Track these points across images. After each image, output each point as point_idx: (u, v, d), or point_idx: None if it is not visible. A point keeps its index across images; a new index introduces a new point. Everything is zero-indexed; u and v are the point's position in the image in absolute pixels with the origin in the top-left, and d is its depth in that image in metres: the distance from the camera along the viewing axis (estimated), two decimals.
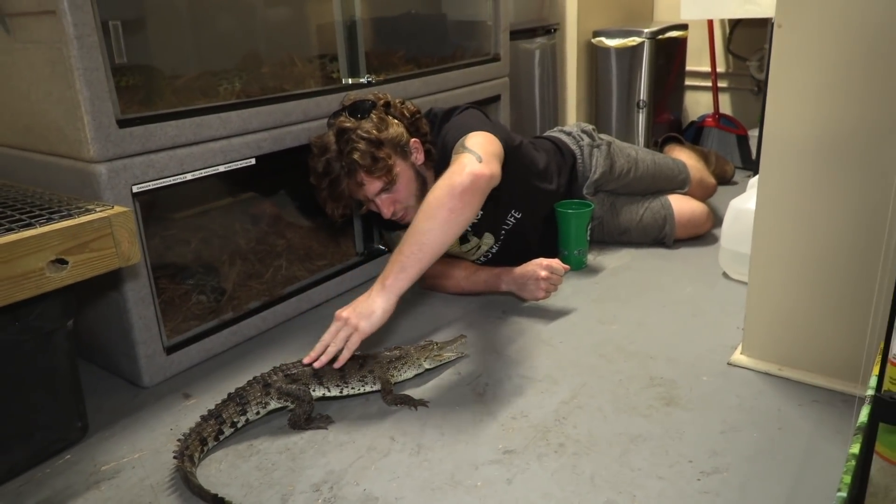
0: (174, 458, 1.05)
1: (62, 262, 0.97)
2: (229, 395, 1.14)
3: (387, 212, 1.48)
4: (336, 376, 1.20)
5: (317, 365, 1.18)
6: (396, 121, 1.49)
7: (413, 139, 1.51)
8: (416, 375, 1.28)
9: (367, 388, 1.23)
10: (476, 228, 1.63)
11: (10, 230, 0.94)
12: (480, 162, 1.26)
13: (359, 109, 1.48)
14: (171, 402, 1.27)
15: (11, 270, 0.91)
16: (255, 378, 1.18)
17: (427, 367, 1.28)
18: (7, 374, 1.04)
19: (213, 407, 1.13)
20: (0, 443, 1.04)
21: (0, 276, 0.90)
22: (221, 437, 1.12)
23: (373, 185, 1.45)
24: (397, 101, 1.54)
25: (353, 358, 1.22)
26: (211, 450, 1.11)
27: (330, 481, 1.02)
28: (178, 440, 1.07)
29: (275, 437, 1.14)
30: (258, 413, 1.16)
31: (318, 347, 1.19)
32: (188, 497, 1.00)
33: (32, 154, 1.27)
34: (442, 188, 1.23)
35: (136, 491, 1.03)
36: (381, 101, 1.50)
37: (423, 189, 1.51)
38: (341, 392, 1.22)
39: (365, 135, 1.41)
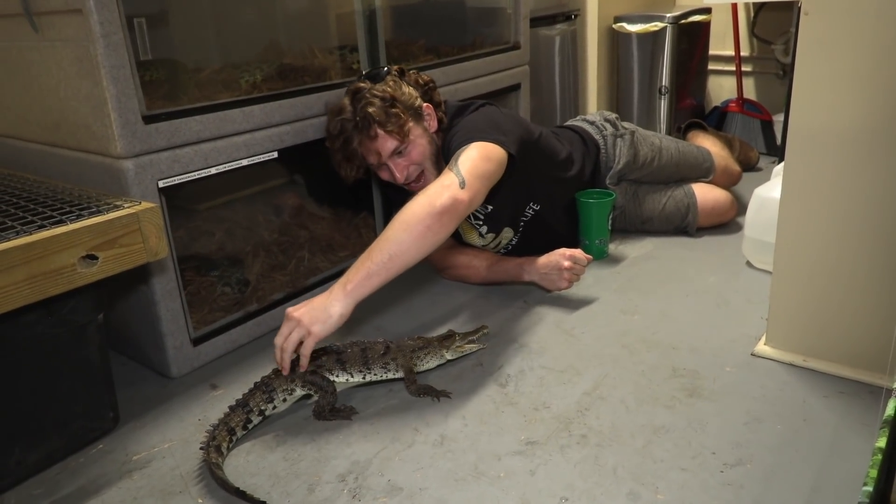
0: (201, 448, 1.07)
1: (93, 257, 0.99)
2: (255, 384, 1.16)
3: (400, 175, 1.48)
4: (359, 362, 1.22)
5: (284, 372, 1.16)
6: (410, 87, 1.50)
7: (426, 104, 1.52)
8: (438, 366, 1.30)
9: (390, 375, 1.25)
10: (495, 225, 1.63)
11: (42, 227, 0.97)
12: (463, 187, 1.24)
13: (373, 75, 1.50)
14: (199, 392, 1.29)
15: (45, 266, 0.93)
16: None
17: (449, 357, 1.29)
18: (43, 366, 1.07)
19: (240, 397, 1.15)
20: (37, 432, 1.08)
21: (35, 271, 0.92)
22: (250, 426, 1.14)
23: (386, 143, 1.45)
24: (411, 70, 1.55)
25: (375, 344, 1.24)
26: (240, 440, 1.13)
27: (355, 472, 1.04)
28: (207, 431, 1.10)
29: (300, 428, 1.16)
30: (284, 400, 1.18)
31: (276, 354, 1.15)
32: (217, 487, 1.02)
33: (62, 150, 1.30)
34: (422, 204, 1.20)
35: (167, 480, 1.05)
36: (395, 68, 1.52)
37: (436, 156, 1.51)
38: (364, 378, 1.24)
39: (379, 93, 1.43)
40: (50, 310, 1.04)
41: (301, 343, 1.15)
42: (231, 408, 1.13)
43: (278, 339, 1.15)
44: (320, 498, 0.99)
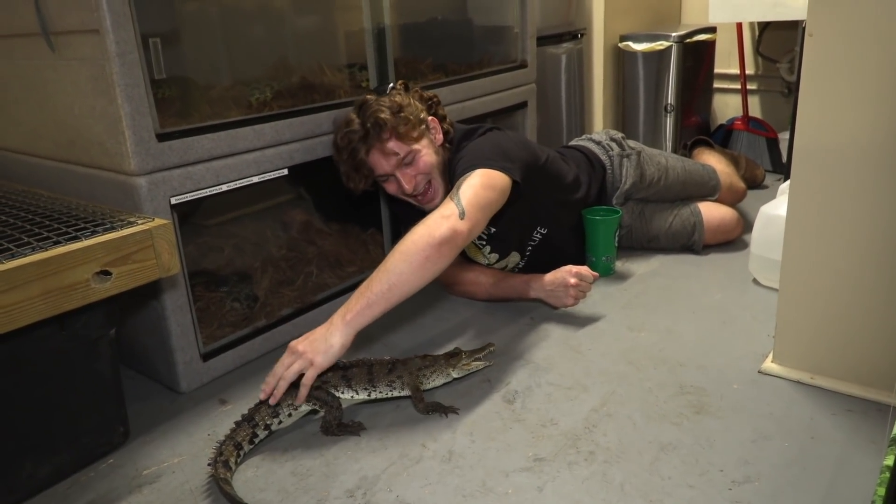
0: (209, 465, 1.08)
1: (106, 273, 1.00)
2: (261, 399, 1.17)
3: (408, 186, 1.49)
4: (364, 379, 1.22)
5: (272, 401, 1.15)
6: (416, 101, 1.53)
7: (431, 118, 1.54)
8: (444, 384, 1.30)
9: (395, 393, 1.25)
10: (502, 249, 1.64)
11: (57, 243, 0.98)
12: (462, 218, 1.25)
13: (379, 91, 1.53)
14: (208, 407, 1.30)
15: (60, 282, 0.95)
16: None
17: (455, 376, 1.29)
18: (55, 380, 1.08)
19: (245, 412, 1.16)
20: (48, 446, 1.09)
21: (50, 287, 0.94)
22: (256, 441, 1.15)
23: (395, 148, 1.46)
24: (416, 86, 1.58)
25: (381, 361, 1.24)
26: (248, 454, 1.14)
27: (363, 487, 1.05)
28: (214, 447, 1.10)
29: (309, 443, 1.17)
30: (290, 415, 1.19)
31: (270, 381, 1.16)
32: (226, 502, 1.02)
33: (76, 167, 1.32)
34: (422, 235, 1.22)
35: (176, 495, 1.06)
36: (400, 83, 1.55)
37: (443, 168, 1.53)
38: (369, 395, 1.24)
39: (386, 102, 1.46)
40: (63, 324, 1.05)
41: (302, 374, 1.16)
42: (237, 423, 1.14)
43: (278, 368, 1.16)
44: None
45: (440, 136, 1.55)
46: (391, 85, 1.55)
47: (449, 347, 1.35)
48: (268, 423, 1.16)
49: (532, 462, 1.07)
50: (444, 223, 1.23)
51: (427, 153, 1.50)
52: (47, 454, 1.09)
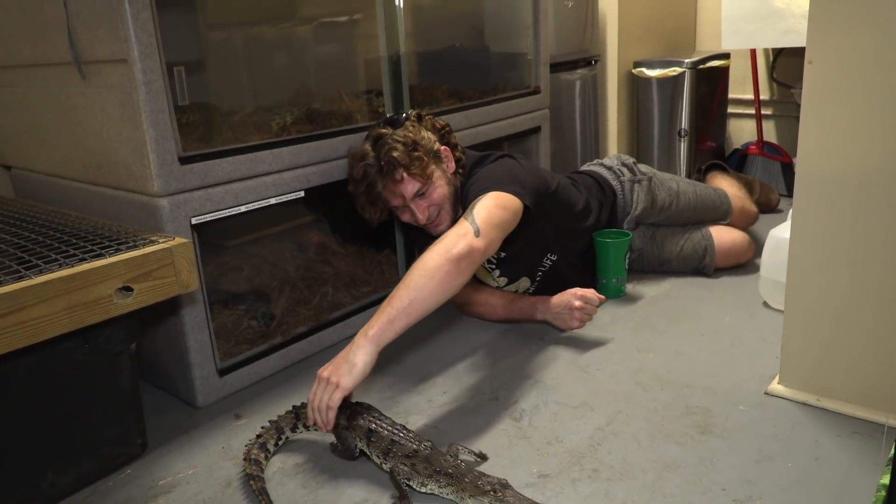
0: (244, 459, 1.16)
1: (128, 289, 1.05)
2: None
3: (422, 217, 1.53)
4: (381, 448, 1.11)
5: (326, 429, 1.16)
6: (428, 131, 1.57)
7: (444, 147, 1.58)
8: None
9: (400, 479, 1.08)
10: (512, 274, 1.67)
11: (83, 260, 1.03)
12: (478, 235, 1.28)
13: (392, 121, 1.57)
14: (224, 421, 1.34)
15: (85, 297, 1.00)
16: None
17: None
18: (78, 392, 1.13)
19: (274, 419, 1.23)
20: (70, 455, 1.13)
21: (75, 301, 0.99)
22: (282, 441, 1.23)
23: (410, 185, 1.50)
24: (427, 115, 1.62)
25: (409, 441, 1.10)
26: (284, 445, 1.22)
27: (371, 500, 1.07)
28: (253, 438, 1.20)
29: (319, 457, 1.20)
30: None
31: (310, 414, 1.17)
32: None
33: (103, 188, 1.38)
34: (440, 252, 1.24)
35: None
36: (413, 113, 1.59)
37: (455, 196, 1.56)
38: (378, 462, 1.14)
39: (400, 138, 1.49)
40: (86, 338, 1.10)
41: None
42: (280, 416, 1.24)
43: (313, 400, 1.17)
44: None
45: (452, 165, 1.59)
46: (404, 115, 1.59)
47: (460, 367, 1.37)
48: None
49: (536, 478, 1.09)
50: (460, 241, 1.26)
51: (440, 185, 1.54)
52: (69, 463, 1.13)
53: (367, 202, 1.55)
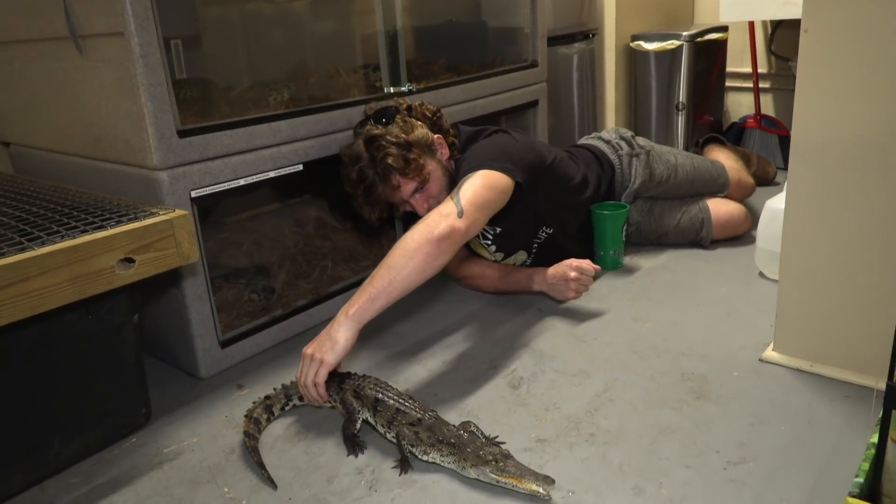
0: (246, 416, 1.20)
1: (130, 260, 1.07)
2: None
3: (421, 210, 1.54)
4: (386, 418, 1.12)
5: (319, 402, 1.22)
6: (420, 122, 1.56)
7: (437, 136, 1.58)
8: (441, 464, 1.08)
9: (404, 444, 1.10)
10: (508, 248, 1.69)
11: (85, 231, 1.04)
12: (460, 216, 1.28)
13: (383, 116, 1.54)
14: (226, 392, 1.36)
15: (87, 268, 1.01)
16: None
17: (471, 476, 1.03)
18: (82, 363, 1.14)
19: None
20: (76, 425, 1.15)
21: (78, 272, 1.00)
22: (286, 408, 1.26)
23: (407, 186, 1.51)
24: (417, 103, 1.61)
25: (414, 410, 1.11)
26: (266, 428, 1.22)
27: (372, 465, 1.10)
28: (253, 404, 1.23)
29: (321, 425, 1.22)
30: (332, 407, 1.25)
31: (302, 391, 1.21)
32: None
33: (102, 163, 1.39)
34: (421, 232, 1.25)
35: (195, 471, 1.12)
36: (403, 106, 1.57)
37: (451, 182, 1.56)
38: (382, 432, 1.15)
39: (394, 139, 1.48)
40: (89, 310, 1.12)
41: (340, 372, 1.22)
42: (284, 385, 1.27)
43: (299, 378, 1.20)
44: (338, 489, 1.05)
45: (446, 151, 1.59)
46: (393, 108, 1.55)
47: (458, 337, 1.38)
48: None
49: (534, 443, 1.12)
50: (442, 221, 1.27)
51: (436, 177, 1.54)
52: (74, 433, 1.15)
53: (366, 203, 1.55)
